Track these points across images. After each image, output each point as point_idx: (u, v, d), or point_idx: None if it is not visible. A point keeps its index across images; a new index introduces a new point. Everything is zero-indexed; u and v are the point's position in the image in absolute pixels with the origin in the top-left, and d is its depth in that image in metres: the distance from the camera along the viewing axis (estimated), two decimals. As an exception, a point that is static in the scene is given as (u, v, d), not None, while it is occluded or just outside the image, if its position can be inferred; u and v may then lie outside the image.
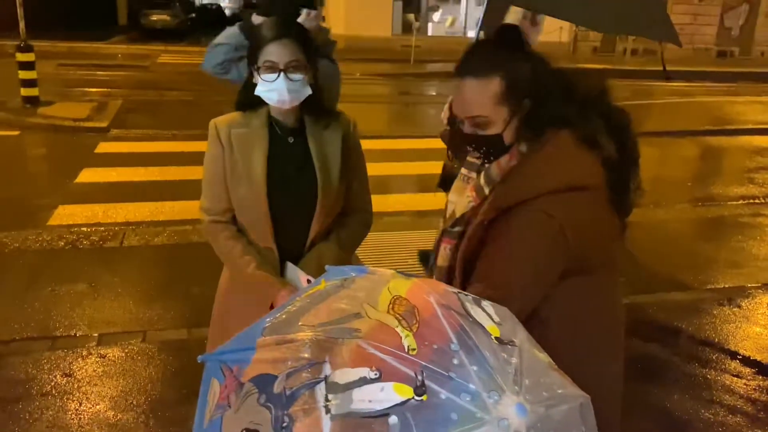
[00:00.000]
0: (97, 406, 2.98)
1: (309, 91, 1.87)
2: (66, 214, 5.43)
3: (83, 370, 3.25)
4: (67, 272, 4.34)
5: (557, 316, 1.47)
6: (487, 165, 1.54)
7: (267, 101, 1.88)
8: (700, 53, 23.47)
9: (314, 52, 1.91)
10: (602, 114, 1.51)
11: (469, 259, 1.48)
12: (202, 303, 3.52)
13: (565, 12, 2.00)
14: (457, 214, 1.57)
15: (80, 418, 2.89)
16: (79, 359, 3.34)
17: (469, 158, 1.69)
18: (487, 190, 1.51)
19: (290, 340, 0.98)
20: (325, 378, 0.92)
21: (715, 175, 8.27)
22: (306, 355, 0.95)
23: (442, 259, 1.58)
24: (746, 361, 3.60)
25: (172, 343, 3.54)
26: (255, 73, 1.84)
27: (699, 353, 3.68)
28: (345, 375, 0.91)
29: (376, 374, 0.91)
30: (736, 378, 3.42)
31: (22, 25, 9.48)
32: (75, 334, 3.60)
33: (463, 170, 1.68)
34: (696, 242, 5.69)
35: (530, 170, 1.44)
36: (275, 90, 1.82)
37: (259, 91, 1.85)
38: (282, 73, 1.80)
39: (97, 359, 3.35)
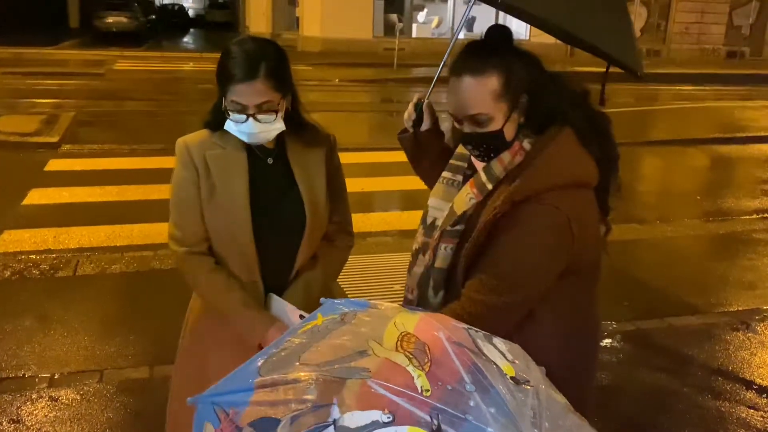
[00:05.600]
0: (49, 456, 2.96)
1: (281, 127, 1.89)
2: (12, 240, 5.39)
3: (33, 416, 3.22)
4: (13, 305, 4.31)
5: (551, 315, 1.66)
6: (487, 162, 1.68)
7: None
8: (708, 54, 23.93)
9: (289, 77, 1.91)
10: (586, 116, 1.71)
11: (474, 255, 1.63)
12: (164, 338, 3.52)
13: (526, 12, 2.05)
14: (457, 213, 1.70)
15: (30, 470, 2.87)
16: (28, 403, 3.31)
17: (452, 161, 1.85)
18: (490, 186, 1.66)
19: (292, 381, 1.00)
20: (334, 422, 0.93)
21: (726, 187, 8.38)
22: (311, 397, 0.97)
23: (441, 260, 1.71)
24: (763, 392, 3.65)
25: (132, 383, 3.52)
26: (224, 105, 1.86)
27: (711, 383, 3.73)
28: (355, 419, 0.93)
29: (389, 417, 0.93)
30: (752, 410, 3.47)
31: (-39, 30, 9.48)
32: (23, 375, 3.57)
33: (446, 174, 1.85)
34: (706, 261, 5.77)
35: (540, 166, 1.60)
36: (244, 132, 1.85)
37: (229, 127, 1.87)
38: (251, 117, 1.82)
39: (49, 403, 3.33)
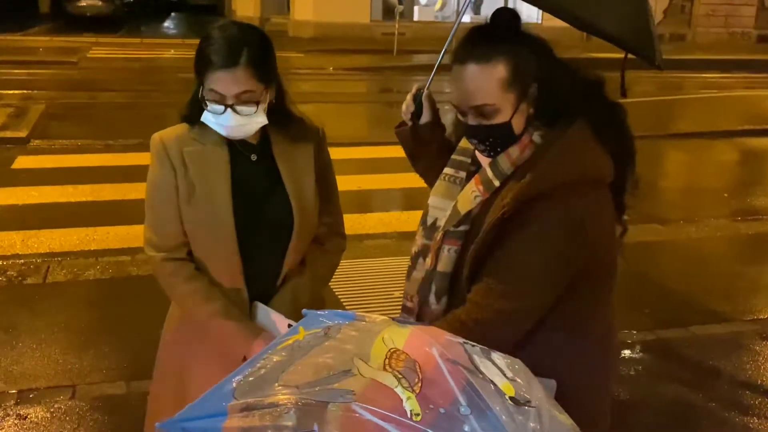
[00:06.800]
0: (17, 479, 2.98)
1: (263, 121, 1.89)
2: (-24, 245, 5.40)
3: (-1, 435, 3.24)
4: (-22, 315, 4.32)
5: (563, 324, 1.67)
6: (493, 157, 1.69)
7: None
8: (738, 38, 23.92)
9: (273, 67, 1.92)
10: (601, 107, 1.71)
11: (480, 258, 1.63)
12: (142, 350, 3.52)
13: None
14: (462, 212, 1.70)
15: (-4, 494, 2.89)
16: (-6, 422, 3.33)
17: (455, 156, 1.85)
18: (497, 183, 1.67)
19: (270, 405, 1.00)
20: None
21: (756, 183, 8.40)
22: (290, 424, 0.97)
23: (444, 263, 1.72)
24: (795, 406, 3.66)
25: (107, 399, 3.53)
26: (201, 94, 1.87)
27: (738, 397, 3.74)
28: None
29: None
30: (783, 426, 3.49)
31: None
32: (-11, 391, 3.59)
33: (448, 170, 1.85)
34: (734, 264, 5.78)
35: (552, 161, 1.61)
36: (222, 125, 1.86)
37: (206, 119, 1.87)
38: (229, 108, 1.83)
39: (17, 421, 3.34)
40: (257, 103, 1.86)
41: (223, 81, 1.81)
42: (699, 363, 4.09)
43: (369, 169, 7.32)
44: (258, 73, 1.84)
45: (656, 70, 2.01)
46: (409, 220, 5.86)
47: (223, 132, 1.89)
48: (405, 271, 1.90)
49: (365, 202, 6.64)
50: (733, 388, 3.83)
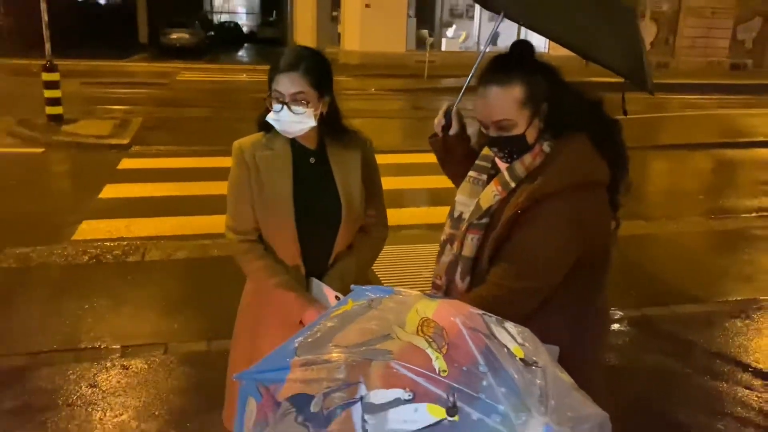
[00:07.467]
0: (121, 417, 3.04)
1: (312, 124, 1.90)
2: (90, 229, 5.52)
3: (107, 381, 3.32)
4: (90, 286, 4.43)
5: (565, 301, 1.67)
6: (510, 163, 1.71)
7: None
8: (714, 66, 23.32)
9: (328, 80, 1.94)
10: (601, 122, 1.72)
11: (498, 246, 1.66)
12: (221, 316, 3.56)
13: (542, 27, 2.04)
14: (483, 207, 1.72)
15: (104, 428, 2.96)
16: (103, 371, 3.41)
17: (478, 162, 1.87)
18: (513, 185, 1.69)
19: (324, 361, 1.02)
20: (361, 398, 0.95)
21: (728, 187, 8.21)
22: (341, 377, 0.98)
23: (468, 249, 1.74)
24: (758, 374, 3.58)
25: (192, 354, 3.59)
26: (268, 96, 1.90)
27: (711, 366, 3.67)
28: (380, 396, 0.95)
29: (409, 395, 0.94)
30: (748, 390, 3.41)
31: (48, 46, 9.69)
32: (99, 347, 3.67)
33: (472, 173, 1.87)
34: (708, 255, 5.66)
35: (559, 166, 1.63)
36: (278, 120, 1.88)
37: (269, 117, 1.90)
38: (285, 106, 1.86)
39: (121, 371, 3.42)
40: (308, 104, 1.87)
41: (283, 82, 1.85)
42: (677, 336, 4.02)
43: (403, 172, 7.30)
44: (312, 81, 1.87)
45: (648, 94, 1.98)
46: (435, 214, 5.85)
47: (278, 127, 1.90)
48: (433, 256, 1.90)
49: (400, 199, 6.63)
50: (706, 358, 3.76)
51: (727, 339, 4.00)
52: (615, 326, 4.09)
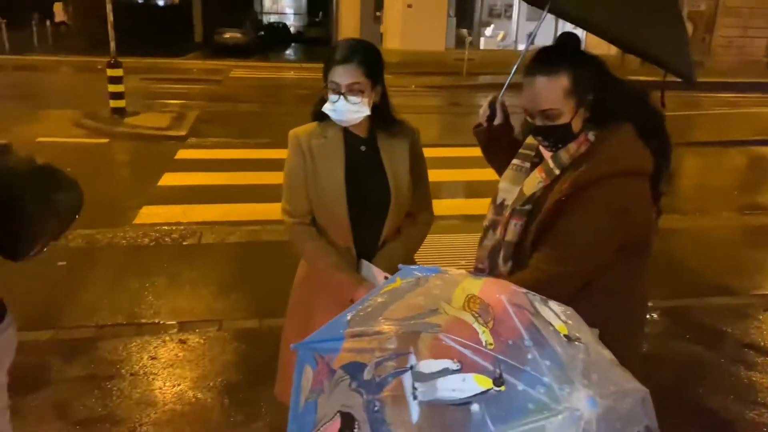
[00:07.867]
0: (179, 387, 3.13)
1: (367, 112, 1.91)
2: (150, 214, 5.66)
3: (166, 354, 3.41)
4: (151, 266, 4.55)
5: (605, 286, 1.63)
6: (555, 151, 1.68)
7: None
8: (750, 65, 22.50)
9: (380, 70, 1.95)
10: (647, 113, 1.68)
11: (541, 231, 1.63)
12: (271, 296, 3.64)
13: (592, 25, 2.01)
14: (527, 194, 1.70)
15: (164, 396, 3.04)
16: (162, 344, 3.50)
17: (522, 150, 1.84)
18: (557, 172, 1.66)
19: (376, 333, 1.02)
20: (411, 368, 0.95)
21: (761, 184, 7.95)
22: (392, 347, 0.99)
23: (511, 234, 1.72)
24: (792, 366, 3.47)
25: (244, 331, 3.66)
26: (324, 87, 1.92)
27: (744, 356, 3.57)
28: (429, 365, 0.95)
29: (457, 366, 0.94)
30: (781, 381, 3.31)
31: (112, 45, 9.93)
32: (158, 322, 3.77)
33: (516, 161, 1.84)
34: (742, 249, 5.49)
35: (603, 155, 1.59)
36: (335, 110, 1.90)
37: (325, 108, 1.92)
38: (342, 96, 1.87)
39: (178, 344, 3.51)
40: (363, 93, 1.88)
41: (340, 73, 1.86)
42: (710, 327, 3.92)
43: (441, 165, 7.23)
44: (367, 71, 1.87)
45: (689, 88, 1.93)
46: (472, 205, 5.79)
47: (334, 116, 1.91)
48: (470, 246, 1.89)
49: (438, 190, 6.59)
50: (739, 349, 3.66)
51: (760, 331, 3.88)
52: (648, 316, 4.00)
